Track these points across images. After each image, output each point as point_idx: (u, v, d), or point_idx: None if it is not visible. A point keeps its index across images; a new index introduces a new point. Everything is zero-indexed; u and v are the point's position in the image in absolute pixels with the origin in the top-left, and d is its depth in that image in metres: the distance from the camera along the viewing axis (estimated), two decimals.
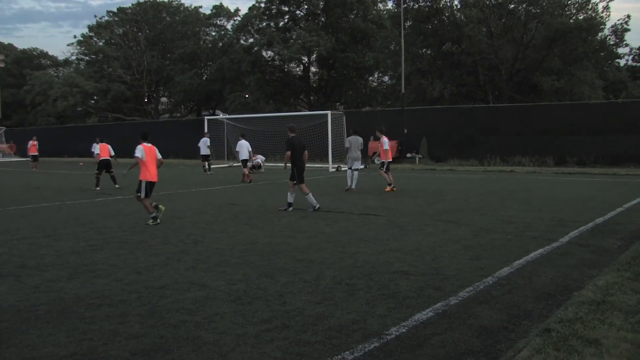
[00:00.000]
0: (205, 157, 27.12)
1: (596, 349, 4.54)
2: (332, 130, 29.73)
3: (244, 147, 22.91)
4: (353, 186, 17.61)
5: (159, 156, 12.14)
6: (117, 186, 19.55)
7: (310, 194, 13.37)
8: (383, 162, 17.73)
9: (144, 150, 11.75)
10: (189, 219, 12.15)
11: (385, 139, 17.78)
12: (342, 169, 26.39)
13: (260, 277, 7.05)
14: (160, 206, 11.78)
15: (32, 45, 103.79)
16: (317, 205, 13.17)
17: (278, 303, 5.96)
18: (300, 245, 9.04)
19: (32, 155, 33.78)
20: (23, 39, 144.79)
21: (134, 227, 11.11)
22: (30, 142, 34.27)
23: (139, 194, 11.64)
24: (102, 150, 20.18)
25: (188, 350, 4.74)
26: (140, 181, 11.65)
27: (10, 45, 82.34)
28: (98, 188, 19.21)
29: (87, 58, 65.35)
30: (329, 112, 30.49)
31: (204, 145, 27.40)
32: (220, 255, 8.37)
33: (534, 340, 4.72)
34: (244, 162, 22.77)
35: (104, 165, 20.04)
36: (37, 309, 5.86)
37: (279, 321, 5.40)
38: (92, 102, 62.72)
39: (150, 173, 11.72)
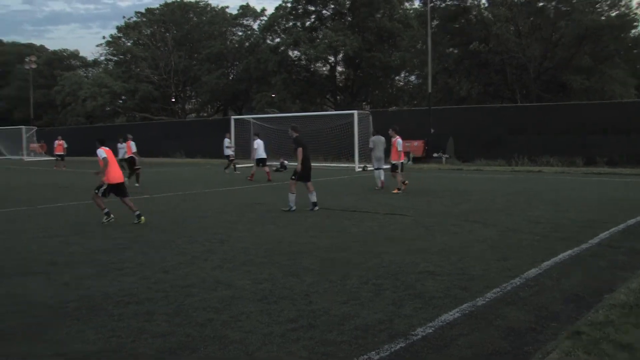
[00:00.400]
0: (228, 157, 27.37)
1: (629, 353, 4.45)
2: (358, 130, 29.66)
3: (260, 147, 23.01)
4: (379, 186, 17.65)
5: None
6: (136, 185, 19.98)
7: (314, 193, 13.38)
8: (395, 163, 16.92)
9: (106, 154, 11.83)
10: (214, 218, 12.21)
11: (399, 139, 17.00)
12: (369, 168, 26.31)
13: (285, 276, 7.06)
14: (142, 217, 11.65)
15: (63, 47, 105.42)
16: (317, 208, 13.23)
17: (304, 302, 5.96)
18: (325, 245, 9.03)
19: (58, 155, 34.28)
20: (54, 40, 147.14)
21: (160, 226, 11.20)
22: (56, 142, 34.81)
23: (97, 191, 11.71)
24: (127, 148, 20.71)
25: (214, 348, 4.76)
26: (104, 182, 11.71)
27: (42, 47, 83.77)
28: (137, 184, 19.86)
29: (116, 58, 66.17)
30: (355, 112, 30.42)
31: (224, 145, 27.71)
32: (246, 254, 8.40)
33: (564, 342, 4.65)
34: (261, 161, 22.83)
35: (130, 164, 20.54)
36: (66, 305, 5.95)
37: (304, 321, 5.39)
38: (121, 102, 63.47)
39: (113, 175, 11.81)
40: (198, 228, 10.95)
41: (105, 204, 11.80)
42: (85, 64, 76.11)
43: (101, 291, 6.47)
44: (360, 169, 28.50)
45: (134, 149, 20.82)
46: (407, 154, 30.38)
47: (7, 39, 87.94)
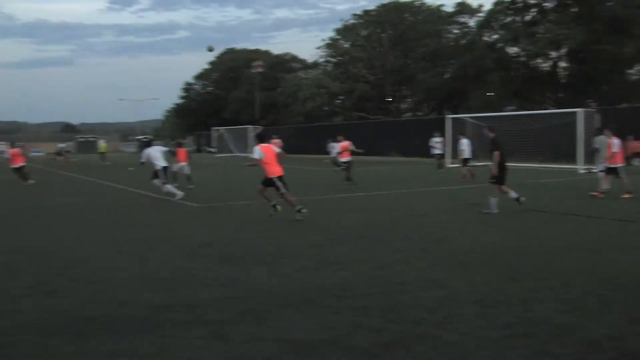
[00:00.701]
0: (439, 156, 27.13)
1: None
2: (582, 129, 27.62)
3: (466, 146, 22.37)
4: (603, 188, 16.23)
5: (278, 151, 12.44)
6: (349, 182, 20.52)
7: (512, 191, 12.76)
8: (613, 167, 15.43)
9: (262, 151, 11.96)
10: (429, 218, 12.17)
11: (615, 140, 15.42)
12: (594, 170, 24.40)
13: (502, 279, 6.78)
14: (277, 207, 11.94)
15: (285, 51, 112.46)
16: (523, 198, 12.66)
17: (522, 309, 5.67)
18: (546, 249, 8.51)
19: None
20: (277, 45, 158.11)
21: (375, 223, 11.42)
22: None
23: (281, 192, 11.90)
24: (342, 147, 21.38)
25: (428, 347, 4.71)
26: (271, 179, 11.89)
27: (267, 52, 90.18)
28: (350, 182, 20.44)
29: (334, 60, 68.96)
30: (579, 110, 28.40)
31: (436, 144, 27.47)
32: (461, 255, 8.23)
33: None
34: (466, 161, 22.20)
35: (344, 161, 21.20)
36: (288, 295, 6.30)
37: (522, 328, 5.13)
38: (338, 101, 66.02)
39: (274, 170, 11.96)
40: (413, 226, 10.98)
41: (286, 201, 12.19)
42: (305, 66, 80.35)
43: (320, 284, 6.75)
44: (584, 171, 26.53)
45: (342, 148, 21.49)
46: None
47: (238, 46, 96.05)
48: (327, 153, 29.88)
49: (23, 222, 12.65)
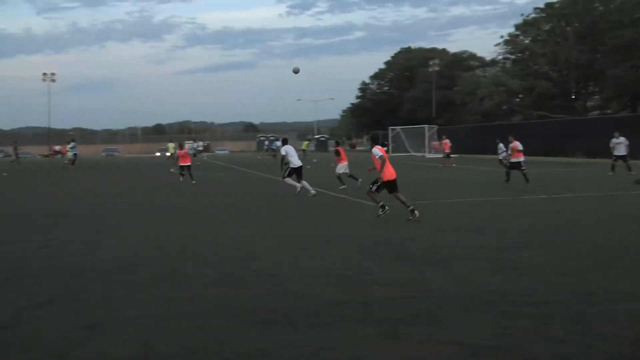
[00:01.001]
0: (619, 158, 25.18)
1: None
2: None
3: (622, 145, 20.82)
4: None
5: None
6: (529, 183, 19.71)
7: None
8: None
9: (381, 153, 12.17)
10: (618, 224, 11.26)
11: None
12: None
13: None
14: (416, 212, 11.75)
15: (462, 49, 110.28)
16: None
17: None
18: None
19: (446, 153, 36.46)
20: (454, 43, 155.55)
21: (555, 227, 10.79)
22: (443, 141, 37.05)
23: (372, 187, 12.26)
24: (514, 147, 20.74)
25: None
26: (386, 181, 12.06)
27: (443, 50, 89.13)
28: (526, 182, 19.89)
29: (513, 57, 66.26)
30: None
31: (616, 145, 25.52)
32: None
33: None
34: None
35: (517, 165, 20.46)
36: (464, 297, 6.13)
37: None
38: (517, 100, 63.41)
39: (390, 172, 12.12)
40: (600, 232, 10.21)
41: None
42: (483, 64, 78.21)
43: (497, 288, 6.50)
44: None
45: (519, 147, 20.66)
46: None
47: (414, 45, 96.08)
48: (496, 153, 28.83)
49: (210, 218, 13.60)
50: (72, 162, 39.31)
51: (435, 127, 59.90)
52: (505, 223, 11.44)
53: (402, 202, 12.11)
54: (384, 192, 12.27)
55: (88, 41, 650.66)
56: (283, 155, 17.70)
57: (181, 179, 23.77)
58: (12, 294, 6.61)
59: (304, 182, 17.07)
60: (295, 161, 17.15)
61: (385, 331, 5.10)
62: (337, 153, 20.92)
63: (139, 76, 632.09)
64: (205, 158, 53.59)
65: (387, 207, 12.11)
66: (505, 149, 26.83)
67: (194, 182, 23.16)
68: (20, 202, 17.26)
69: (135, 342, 4.93)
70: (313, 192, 16.67)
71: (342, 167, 20.27)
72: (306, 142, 58.94)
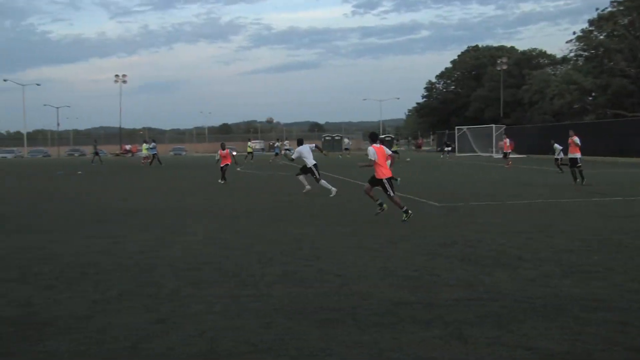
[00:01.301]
0: None
1: None
2: None
3: None
4: None
5: (389, 153, 12.84)
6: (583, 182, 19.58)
7: None
8: None
9: (375, 152, 12.18)
10: None
11: None
12: None
13: None
14: (384, 205, 12.29)
15: (531, 46, 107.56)
16: None
17: None
18: None
19: (505, 153, 35.88)
20: (522, 40, 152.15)
21: (631, 232, 10.37)
22: (506, 141, 36.15)
23: (389, 193, 12.05)
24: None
25: None
26: (381, 180, 12.07)
27: (511, 48, 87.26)
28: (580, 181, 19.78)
29: (586, 54, 64.05)
30: None
31: None
32: None
33: None
34: None
35: (573, 161, 20.15)
36: (532, 301, 5.97)
37: None
38: (590, 98, 61.30)
39: (384, 171, 12.18)
40: None
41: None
42: (553, 61, 76.11)
43: (567, 292, 6.30)
44: None
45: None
46: None
47: (481, 43, 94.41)
48: (553, 152, 27.81)
49: (275, 216, 13.73)
50: (154, 160, 41.68)
51: (503, 126, 58.62)
52: (575, 225, 11.09)
53: (371, 197, 12.52)
54: (384, 192, 12.25)
55: (157, 43, 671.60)
56: (294, 157, 18.30)
57: (221, 181, 23.40)
58: (87, 288, 6.86)
59: (323, 181, 17.59)
60: (310, 161, 17.61)
61: (451, 333, 5.03)
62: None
63: (206, 77, 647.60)
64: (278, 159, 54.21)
65: (410, 212, 11.96)
66: (561, 148, 26.14)
67: (222, 181, 23.12)
68: (95, 200, 17.86)
69: (202, 338, 5.03)
70: (334, 190, 17.07)
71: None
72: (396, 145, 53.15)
